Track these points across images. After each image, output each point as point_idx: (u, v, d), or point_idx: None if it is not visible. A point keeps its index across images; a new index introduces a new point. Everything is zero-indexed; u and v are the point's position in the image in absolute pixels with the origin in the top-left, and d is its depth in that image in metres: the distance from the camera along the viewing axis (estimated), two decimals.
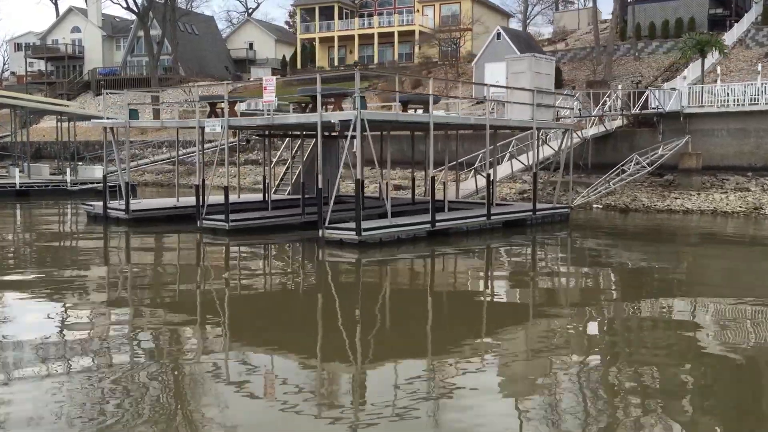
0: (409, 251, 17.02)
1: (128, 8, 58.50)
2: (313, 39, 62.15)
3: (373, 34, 59.10)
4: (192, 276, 14.47)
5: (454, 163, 25.89)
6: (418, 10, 58.94)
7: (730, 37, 39.91)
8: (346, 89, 21.39)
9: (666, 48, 43.45)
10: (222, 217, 19.43)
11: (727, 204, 25.10)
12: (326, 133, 21.42)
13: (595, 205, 26.58)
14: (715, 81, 30.68)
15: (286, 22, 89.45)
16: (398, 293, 13.14)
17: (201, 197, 20.25)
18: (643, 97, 28.78)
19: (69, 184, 32.11)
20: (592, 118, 29.32)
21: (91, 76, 67.04)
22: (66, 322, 10.37)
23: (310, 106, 21.12)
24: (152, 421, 6.57)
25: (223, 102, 20.12)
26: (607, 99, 29.63)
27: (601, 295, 13.16)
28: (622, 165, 27.33)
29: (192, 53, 68.60)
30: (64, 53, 72.02)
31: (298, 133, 24.30)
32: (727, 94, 28.12)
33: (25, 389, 7.31)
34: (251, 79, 57.92)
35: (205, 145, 27.91)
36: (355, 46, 59.77)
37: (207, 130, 20.26)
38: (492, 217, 20.34)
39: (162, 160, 42.23)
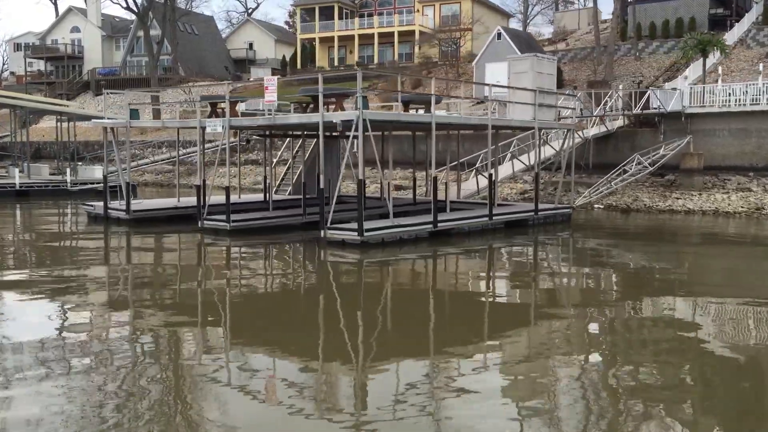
0: (412, 251, 16.97)
1: (128, 8, 58.48)
2: (313, 39, 62.10)
3: (373, 34, 59.05)
4: (194, 276, 14.43)
5: (455, 163, 25.84)
6: (418, 10, 58.89)
7: (730, 37, 39.86)
8: (347, 89, 21.36)
9: (667, 48, 43.42)
10: (223, 217, 19.37)
11: (729, 204, 25.05)
12: (327, 134, 21.36)
13: (596, 206, 26.53)
14: (716, 81, 30.65)
15: (286, 22, 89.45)
16: (401, 294, 13.08)
17: (202, 197, 20.19)
18: (645, 97, 28.73)
19: (69, 185, 32.04)
20: (593, 118, 29.28)
21: (91, 76, 67.01)
22: (66, 323, 10.32)
23: (311, 106, 21.08)
24: (153, 422, 6.54)
25: (223, 102, 20.05)
26: (608, 99, 29.59)
27: (603, 295, 13.11)
28: (624, 165, 27.29)
29: (192, 53, 68.55)
30: (63, 53, 71.97)
31: (299, 133, 24.25)
32: (729, 94, 28.08)
33: (24, 390, 7.25)
34: (251, 80, 57.90)
35: (206, 145, 27.86)
36: (355, 46, 59.72)
37: (208, 130, 20.19)
38: (494, 218, 20.29)
39: (162, 160, 42.18)
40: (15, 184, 31.55)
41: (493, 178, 21.55)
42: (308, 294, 12.97)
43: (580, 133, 27.15)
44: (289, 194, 25.90)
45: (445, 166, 23.38)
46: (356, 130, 16.47)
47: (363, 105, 16.56)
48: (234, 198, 21.61)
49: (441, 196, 21.17)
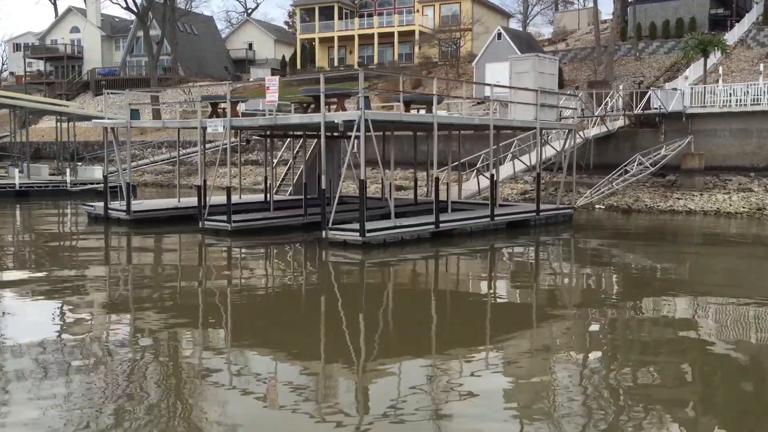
0: (414, 252, 16.93)
1: (128, 8, 58.50)
2: (313, 39, 62.05)
3: (373, 34, 59.01)
4: (195, 277, 14.38)
5: (456, 163, 25.80)
6: (418, 10, 58.87)
7: (731, 37, 39.85)
8: (349, 89, 21.31)
9: (667, 48, 43.40)
10: (224, 217, 19.32)
11: (730, 204, 25.02)
12: (328, 134, 21.32)
13: (597, 206, 26.50)
14: (717, 81, 30.63)
15: (286, 23, 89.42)
16: (404, 294, 13.04)
17: (203, 198, 20.14)
18: (646, 98, 28.71)
19: (69, 185, 31.98)
20: (594, 118, 29.25)
21: (90, 76, 66.95)
22: (67, 323, 10.27)
23: (312, 106, 21.04)
24: (153, 422, 6.50)
25: (224, 102, 20.00)
26: (609, 99, 29.56)
27: (604, 296, 13.08)
28: (625, 165, 27.26)
29: (191, 53, 68.49)
30: (63, 53, 71.91)
31: (300, 133, 24.20)
32: (729, 94, 28.07)
33: (24, 390, 7.20)
34: (251, 80, 57.91)
35: (206, 146, 27.81)
36: (354, 46, 59.68)
37: (209, 130, 20.14)
38: (496, 218, 20.26)
39: (161, 161, 42.12)
40: (15, 184, 31.49)
41: (495, 179, 21.51)
42: (310, 295, 12.93)
43: (580, 133, 27.13)
44: (290, 195, 25.85)
45: (447, 167, 23.33)
46: (358, 130, 16.42)
47: (365, 105, 16.52)
48: (234, 198, 21.57)
49: (442, 196, 21.14)
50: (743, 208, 24.64)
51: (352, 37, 59.94)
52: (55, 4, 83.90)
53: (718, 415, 7.00)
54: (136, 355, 8.66)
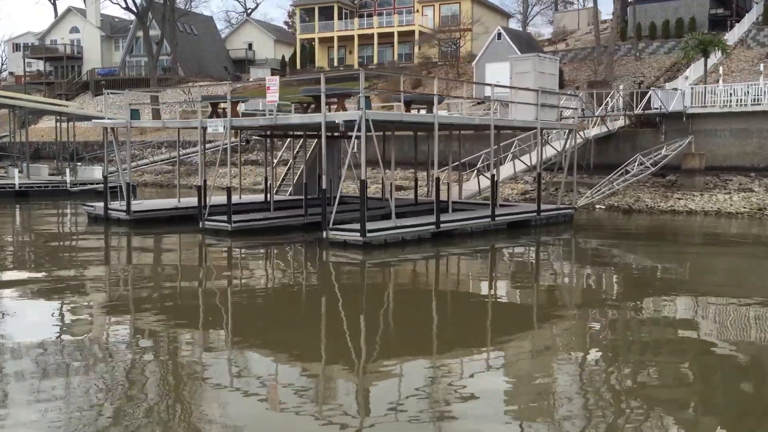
0: (415, 252, 16.91)
1: (127, 8, 58.48)
2: (313, 39, 62.03)
3: (372, 34, 59.00)
4: (196, 277, 14.36)
5: (457, 163, 25.78)
6: (417, 11, 58.85)
7: (731, 37, 39.86)
8: (349, 89, 21.29)
9: (667, 48, 43.40)
10: (224, 218, 19.29)
11: (731, 205, 25.01)
12: (329, 134, 21.30)
13: (598, 206, 26.48)
14: (717, 81, 30.61)
15: (285, 23, 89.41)
16: (405, 295, 13.01)
17: (203, 198, 20.11)
18: (646, 98, 28.69)
19: (68, 185, 31.95)
20: (594, 118, 29.23)
21: (90, 76, 66.91)
22: (66, 324, 10.25)
23: (312, 106, 21.01)
24: (153, 423, 6.48)
25: (224, 102, 19.98)
26: (610, 99, 29.53)
27: (605, 296, 13.07)
28: (626, 165, 27.24)
29: (191, 53, 68.47)
30: (62, 53, 71.88)
31: (300, 133, 24.17)
32: (730, 94, 28.05)
33: (23, 391, 7.17)
34: (251, 80, 57.87)
35: (206, 146, 27.79)
36: (354, 46, 59.67)
37: (209, 130, 20.11)
38: (497, 218, 20.24)
39: (161, 161, 42.09)
40: (14, 184, 31.45)
41: (496, 179, 21.49)
42: (311, 295, 12.91)
43: (581, 133, 27.10)
44: (290, 195, 25.83)
45: (447, 167, 23.31)
46: (358, 130, 16.40)
47: (366, 105, 16.49)
48: (235, 198, 21.54)
49: (443, 196, 21.13)
50: (744, 208, 24.63)
51: (351, 37, 59.93)
52: (54, 5, 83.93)
53: (718, 415, 7.00)
54: (136, 356, 8.64)
